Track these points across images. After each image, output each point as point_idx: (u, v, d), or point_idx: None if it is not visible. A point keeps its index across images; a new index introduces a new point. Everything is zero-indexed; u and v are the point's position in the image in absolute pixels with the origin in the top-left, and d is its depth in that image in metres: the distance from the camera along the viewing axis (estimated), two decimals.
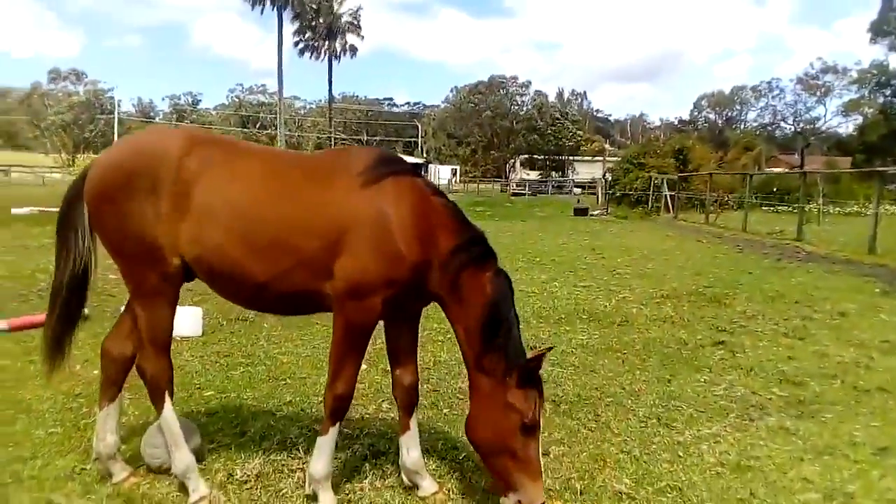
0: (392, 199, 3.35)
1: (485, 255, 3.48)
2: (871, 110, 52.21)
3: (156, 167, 3.39)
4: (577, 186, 56.74)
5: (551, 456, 4.18)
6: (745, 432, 4.65)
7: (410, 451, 3.75)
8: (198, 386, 5.52)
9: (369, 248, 3.29)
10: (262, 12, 57.93)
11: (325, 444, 3.50)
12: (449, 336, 7.32)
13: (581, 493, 3.71)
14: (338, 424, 3.52)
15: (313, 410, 4.96)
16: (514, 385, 3.29)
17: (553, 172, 63.43)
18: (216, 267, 3.42)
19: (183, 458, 3.59)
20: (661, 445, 4.43)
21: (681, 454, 4.28)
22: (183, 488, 3.61)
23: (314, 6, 57.96)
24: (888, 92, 49.35)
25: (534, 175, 61.18)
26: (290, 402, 5.18)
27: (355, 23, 61.16)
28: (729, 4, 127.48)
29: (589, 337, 7.38)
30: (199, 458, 3.88)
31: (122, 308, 3.89)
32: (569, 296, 9.90)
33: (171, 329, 3.64)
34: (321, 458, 3.49)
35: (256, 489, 3.70)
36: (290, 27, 62.25)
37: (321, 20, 58.64)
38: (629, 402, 5.27)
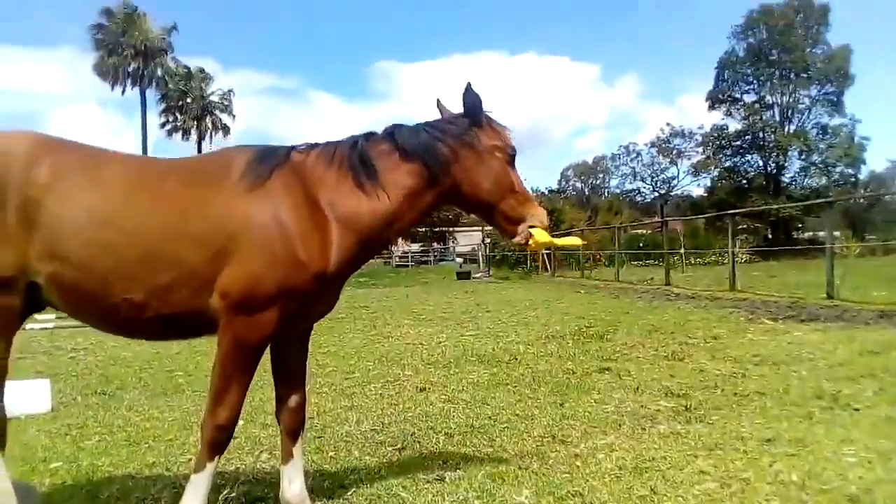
0: (284, 197, 3.04)
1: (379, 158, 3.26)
2: (717, 169, 57.56)
3: None
4: (458, 256, 57.93)
5: (447, 481, 3.90)
6: (639, 440, 4.59)
7: (293, 482, 3.36)
8: (42, 459, 4.77)
9: (263, 255, 2.94)
10: (122, 92, 55.93)
11: (199, 482, 3.03)
12: (334, 387, 6.93)
13: None
14: (216, 460, 3.07)
15: (181, 470, 4.39)
16: (480, 129, 3.33)
17: (434, 244, 64.26)
18: (79, 285, 2.94)
19: None
20: (558, 459, 4.26)
21: (579, 464, 4.13)
22: None
23: (181, 87, 56.84)
24: (728, 152, 54.77)
25: (416, 247, 61.76)
26: (153, 464, 4.58)
27: (226, 104, 60.45)
28: (582, 86, 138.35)
29: (479, 376, 7.21)
30: None
31: None
32: (456, 343, 9.76)
33: (5, 370, 3.08)
34: (194, 499, 3.02)
35: None
36: (154, 111, 60.81)
37: (189, 101, 57.50)
38: (523, 425, 5.10)
